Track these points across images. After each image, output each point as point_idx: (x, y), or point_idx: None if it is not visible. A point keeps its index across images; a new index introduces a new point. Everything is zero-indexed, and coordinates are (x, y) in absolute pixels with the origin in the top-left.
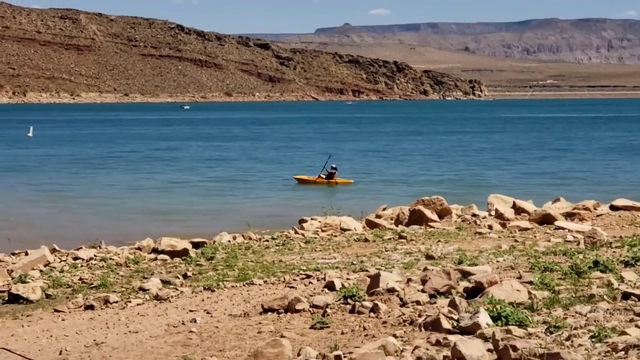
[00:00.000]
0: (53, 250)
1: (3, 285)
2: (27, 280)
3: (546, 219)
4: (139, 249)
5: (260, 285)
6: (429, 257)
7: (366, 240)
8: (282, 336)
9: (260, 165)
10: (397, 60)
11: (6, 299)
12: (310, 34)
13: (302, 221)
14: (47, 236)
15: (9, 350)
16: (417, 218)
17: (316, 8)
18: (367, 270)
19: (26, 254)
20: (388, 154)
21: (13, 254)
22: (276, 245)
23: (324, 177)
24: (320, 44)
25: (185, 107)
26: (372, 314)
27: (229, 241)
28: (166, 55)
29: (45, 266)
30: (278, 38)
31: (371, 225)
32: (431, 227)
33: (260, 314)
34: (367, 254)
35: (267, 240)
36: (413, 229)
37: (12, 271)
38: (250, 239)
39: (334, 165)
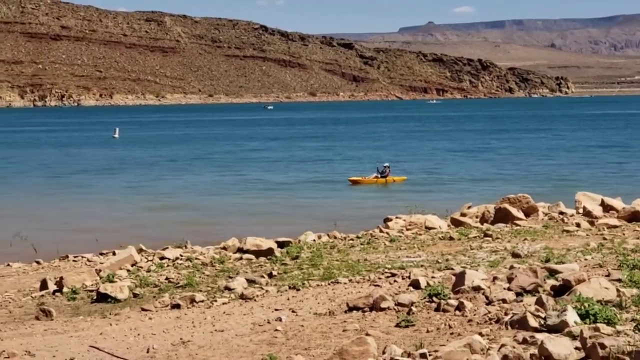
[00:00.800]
0: (140, 250)
1: (92, 285)
2: (115, 280)
3: (635, 217)
4: (224, 248)
5: (345, 283)
6: (515, 255)
7: (451, 238)
8: (367, 334)
9: (337, 165)
10: (482, 58)
11: (95, 298)
12: (394, 33)
13: (386, 220)
14: (133, 236)
15: (98, 349)
16: (502, 216)
17: (400, 7)
18: (452, 269)
19: (114, 253)
20: (472, 152)
21: (101, 253)
22: (361, 244)
23: (379, 176)
24: (403, 43)
25: (269, 108)
26: (457, 312)
27: (314, 240)
28: (250, 55)
29: (132, 266)
30: (361, 37)
31: (456, 223)
32: (517, 225)
33: (345, 312)
34: (452, 252)
35: (352, 239)
36: (499, 227)
37: (100, 271)
38: (335, 237)
39: (386, 164)
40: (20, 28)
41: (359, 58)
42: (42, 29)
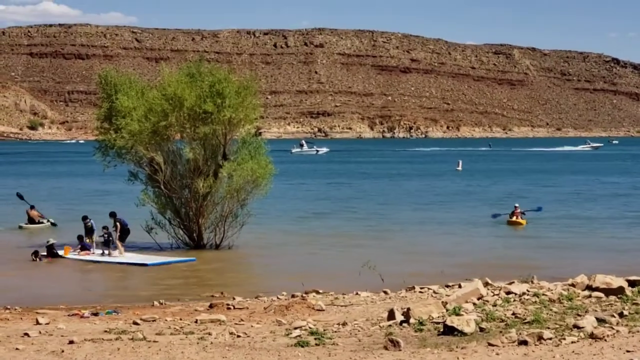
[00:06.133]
0: (486, 284)
1: (438, 317)
2: (461, 313)
3: None
4: (573, 285)
5: None
6: None
7: None
8: None
9: None
10: None
11: (441, 330)
12: None
13: None
14: (478, 268)
15: None
16: None
17: None
18: None
19: (459, 286)
20: None
21: (447, 285)
22: None
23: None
24: None
25: (614, 142)
26: None
27: None
28: (600, 89)
29: (478, 299)
30: None
31: None
32: None
33: None
34: None
35: None
36: None
37: (446, 303)
38: None
39: (516, 205)
40: (371, 61)
41: None
42: (392, 62)
